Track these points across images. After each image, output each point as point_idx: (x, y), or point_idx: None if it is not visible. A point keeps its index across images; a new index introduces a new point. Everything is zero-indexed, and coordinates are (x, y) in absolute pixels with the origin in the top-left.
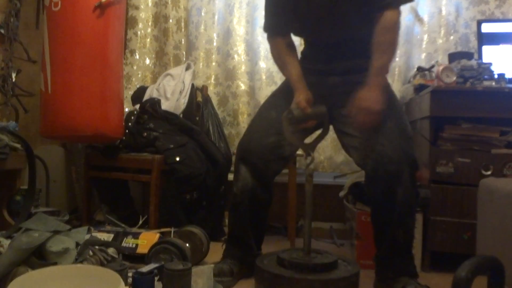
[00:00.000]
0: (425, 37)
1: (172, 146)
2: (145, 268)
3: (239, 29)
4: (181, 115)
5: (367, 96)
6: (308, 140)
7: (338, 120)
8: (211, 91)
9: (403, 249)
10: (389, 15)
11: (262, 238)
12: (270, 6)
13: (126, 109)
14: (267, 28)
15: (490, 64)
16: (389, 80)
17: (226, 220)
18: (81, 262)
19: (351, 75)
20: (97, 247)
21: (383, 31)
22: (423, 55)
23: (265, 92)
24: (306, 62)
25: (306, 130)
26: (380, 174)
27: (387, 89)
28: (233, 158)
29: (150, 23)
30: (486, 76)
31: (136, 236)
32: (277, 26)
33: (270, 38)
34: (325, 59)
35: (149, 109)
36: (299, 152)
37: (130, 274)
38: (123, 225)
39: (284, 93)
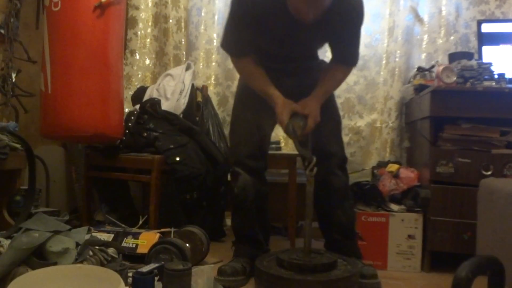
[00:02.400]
0: (425, 37)
1: (172, 146)
2: (145, 268)
3: None
4: (181, 115)
5: (312, 104)
6: None
7: None
8: (211, 91)
9: (347, 230)
10: (343, 69)
11: (269, 234)
12: (233, 27)
13: (126, 109)
14: (232, 49)
15: (490, 64)
16: (389, 80)
17: (226, 220)
18: (81, 262)
19: (302, 76)
20: (97, 247)
21: (334, 77)
22: (423, 55)
23: None
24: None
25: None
26: (321, 166)
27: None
28: None
29: (150, 23)
30: (486, 76)
31: (136, 236)
32: (243, 47)
33: (237, 59)
34: (280, 61)
35: (149, 109)
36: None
37: (130, 274)
38: (123, 225)
39: (247, 94)
